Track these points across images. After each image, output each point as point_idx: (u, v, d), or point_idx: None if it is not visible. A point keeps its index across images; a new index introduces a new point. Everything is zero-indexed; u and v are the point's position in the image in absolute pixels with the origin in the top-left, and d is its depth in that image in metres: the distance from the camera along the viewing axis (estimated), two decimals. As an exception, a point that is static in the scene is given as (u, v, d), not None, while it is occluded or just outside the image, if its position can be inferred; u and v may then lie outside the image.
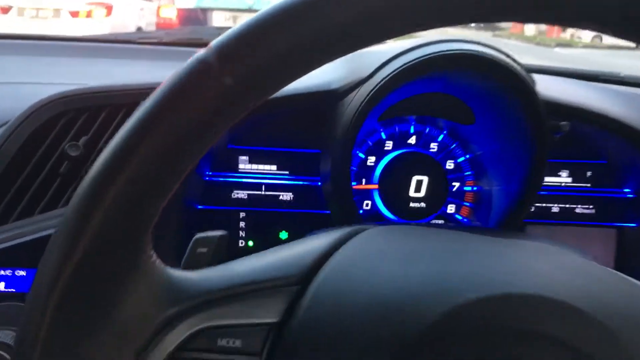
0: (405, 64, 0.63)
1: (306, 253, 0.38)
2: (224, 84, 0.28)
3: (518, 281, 0.32)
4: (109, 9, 5.94)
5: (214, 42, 0.29)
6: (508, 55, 0.64)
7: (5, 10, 5.97)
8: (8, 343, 0.54)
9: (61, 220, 0.29)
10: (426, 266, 0.34)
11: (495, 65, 0.63)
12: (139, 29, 6.15)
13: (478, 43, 0.64)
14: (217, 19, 4.39)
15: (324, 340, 0.33)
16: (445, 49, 0.63)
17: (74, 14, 5.89)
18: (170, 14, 4.56)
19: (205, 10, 4.52)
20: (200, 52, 0.28)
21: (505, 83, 0.64)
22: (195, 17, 4.53)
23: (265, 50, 0.28)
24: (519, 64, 0.64)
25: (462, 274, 0.33)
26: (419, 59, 0.62)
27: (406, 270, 0.34)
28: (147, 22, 5.49)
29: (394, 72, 0.63)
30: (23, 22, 5.94)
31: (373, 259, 0.37)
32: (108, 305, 0.31)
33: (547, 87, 0.69)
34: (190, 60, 0.28)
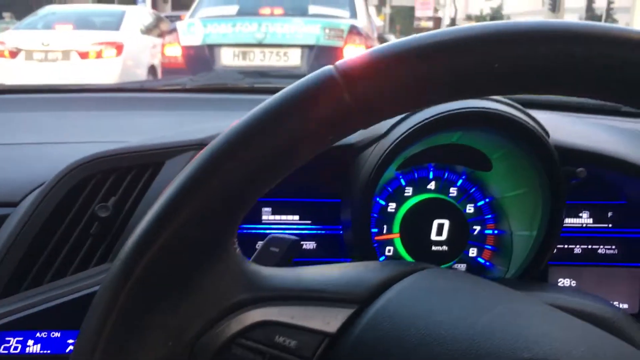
0: (420, 122, 0.65)
1: (371, 276, 0.40)
2: (343, 99, 0.32)
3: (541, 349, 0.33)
4: (119, 48, 5.97)
5: (339, 62, 0.33)
6: (520, 109, 0.67)
7: (14, 54, 5.97)
8: None
9: (154, 207, 0.33)
10: (479, 319, 0.36)
11: (509, 122, 0.65)
12: (152, 67, 6.17)
13: (492, 99, 0.66)
14: (225, 56, 4.35)
15: None
16: (458, 107, 0.64)
17: (84, 55, 5.91)
18: (175, 52, 4.51)
19: (212, 47, 4.41)
20: (326, 67, 0.33)
21: (519, 137, 0.66)
22: (201, 55, 4.41)
23: (385, 79, 0.32)
24: (530, 117, 0.67)
25: (507, 337, 0.34)
26: (433, 117, 0.64)
27: (461, 318, 0.36)
28: (159, 60, 5.48)
29: (410, 130, 0.65)
30: (31, 65, 5.89)
31: (432, 296, 0.39)
32: (189, 282, 0.35)
33: (560, 131, 0.71)
34: (317, 72, 0.33)
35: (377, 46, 0.34)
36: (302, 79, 0.33)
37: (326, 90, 0.32)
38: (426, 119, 0.65)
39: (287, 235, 0.48)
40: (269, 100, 0.33)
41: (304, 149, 0.34)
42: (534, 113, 0.70)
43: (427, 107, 0.37)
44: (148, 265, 0.33)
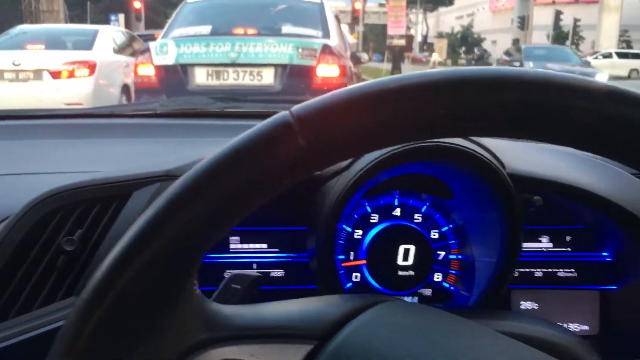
0: (380, 156, 0.67)
1: (330, 311, 0.41)
2: (298, 144, 0.33)
3: None
4: (92, 67, 5.90)
5: (295, 108, 0.34)
6: (476, 142, 0.69)
7: (-17, 73, 5.86)
8: None
9: (111, 253, 0.34)
10: (436, 357, 0.37)
11: (465, 155, 0.68)
12: (126, 86, 6.12)
13: None
14: (199, 76, 4.33)
15: None
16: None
17: (56, 75, 5.83)
18: (148, 71, 4.46)
19: (185, 67, 4.36)
20: (282, 113, 0.34)
21: (476, 169, 0.69)
22: (175, 75, 4.34)
23: (338, 124, 0.34)
24: (486, 149, 0.69)
25: None
26: (392, 151, 0.67)
27: (418, 355, 0.37)
28: (132, 79, 5.43)
29: (371, 163, 0.68)
30: (2, 85, 5.77)
31: (391, 332, 0.39)
32: (148, 325, 0.35)
33: (516, 160, 0.73)
34: (273, 117, 0.34)
35: (332, 92, 0.35)
36: (259, 125, 0.34)
37: (281, 135, 0.33)
38: (386, 152, 0.67)
39: (248, 272, 0.49)
40: (225, 146, 0.34)
41: (259, 193, 0.34)
42: (489, 140, 0.72)
43: (380, 150, 0.38)
44: (106, 311, 0.33)
